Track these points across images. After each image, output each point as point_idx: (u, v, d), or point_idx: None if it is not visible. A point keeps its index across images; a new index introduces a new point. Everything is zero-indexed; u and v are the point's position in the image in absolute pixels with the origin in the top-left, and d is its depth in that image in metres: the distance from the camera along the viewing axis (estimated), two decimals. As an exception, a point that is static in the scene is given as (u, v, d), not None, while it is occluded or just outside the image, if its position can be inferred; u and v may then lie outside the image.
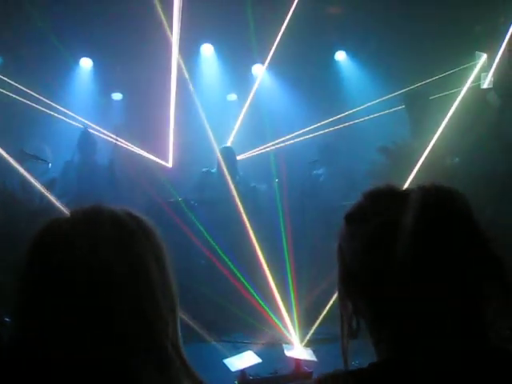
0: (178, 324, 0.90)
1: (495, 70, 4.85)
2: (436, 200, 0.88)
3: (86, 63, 6.36)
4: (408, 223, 0.85)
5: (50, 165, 4.79)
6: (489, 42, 5.02)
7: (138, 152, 5.95)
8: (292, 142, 6.15)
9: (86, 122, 5.73)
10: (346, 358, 0.97)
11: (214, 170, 5.54)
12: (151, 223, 0.91)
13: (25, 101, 5.38)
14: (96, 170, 5.31)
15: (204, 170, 5.52)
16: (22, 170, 4.67)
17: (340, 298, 0.97)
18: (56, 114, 5.69)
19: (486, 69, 5.00)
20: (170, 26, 5.44)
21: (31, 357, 0.80)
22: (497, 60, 4.86)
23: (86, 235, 0.84)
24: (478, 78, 5.01)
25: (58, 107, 5.71)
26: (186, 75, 5.82)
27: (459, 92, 5.06)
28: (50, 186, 4.71)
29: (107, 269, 0.82)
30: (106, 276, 0.81)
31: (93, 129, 5.72)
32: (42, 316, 0.81)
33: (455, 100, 5.01)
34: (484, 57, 5.07)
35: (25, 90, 5.37)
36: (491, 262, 0.87)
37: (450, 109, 4.97)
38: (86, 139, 5.36)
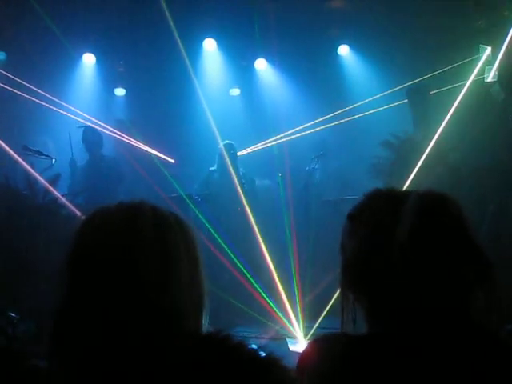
0: (201, 319, 0.92)
1: (499, 63, 4.81)
2: (431, 204, 0.98)
3: (88, 59, 6.35)
4: (405, 225, 0.94)
5: (54, 160, 4.78)
6: (493, 35, 4.97)
7: (141, 147, 5.95)
8: (295, 136, 6.14)
9: (88, 117, 5.74)
10: None
11: (214, 168, 5.56)
12: (187, 222, 0.97)
13: (28, 96, 5.38)
14: (104, 164, 5.31)
15: (211, 168, 5.56)
16: (25, 165, 4.68)
17: (341, 288, 1.06)
18: (59, 110, 5.69)
19: (490, 62, 4.96)
20: (173, 21, 5.42)
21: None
22: (501, 53, 4.82)
23: (128, 232, 0.88)
24: (482, 72, 4.98)
25: (61, 103, 5.71)
26: (189, 70, 5.81)
27: (463, 86, 5.03)
28: (53, 181, 4.72)
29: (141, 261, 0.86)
30: (139, 267, 0.86)
31: (96, 124, 5.73)
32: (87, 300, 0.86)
33: (459, 94, 4.98)
34: (488, 50, 5.03)
35: (28, 85, 5.37)
36: (479, 263, 0.95)
37: (453, 103, 4.94)
38: (90, 136, 5.34)
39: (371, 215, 1.02)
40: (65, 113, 5.72)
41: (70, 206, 4.50)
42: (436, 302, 0.92)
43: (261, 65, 6.75)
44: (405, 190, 1.06)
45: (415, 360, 0.90)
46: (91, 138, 5.33)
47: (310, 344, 1.01)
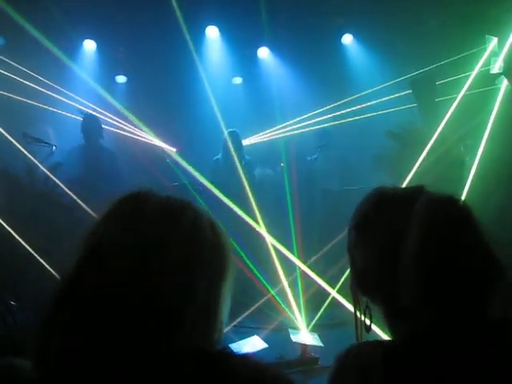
0: (212, 334, 0.87)
1: (505, 54, 4.75)
2: (439, 210, 0.96)
3: (89, 45, 6.29)
4: (415, 233, 0.93)
5: (54, 148, 4.73)
6: (499, 26, 4.91)
7: (143, 135, 5.91)
8: (298, 126, 6.11)
9: (88, 104, 5.69)
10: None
11: (219, 156, 5.52)
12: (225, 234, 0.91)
13: (27, 82, 5.32)
14: (101, 154, 5.23)
15: (215, 157, 5.54)
16: (26, 153, 4.63)
17: (354, 296, 1.07)
18: (59, 97, 5.63)
19: (495, 53, 4.91)
20: (176, 8, 5.35)
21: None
22: (507, 44, 4.76)
23: (161, 229, 0.82)
24: (488, 63, 4.92)
25: (62, 89, 5.65)
26: (192, 57, 5.75)
27: (468, 77, 4.97)
28: (54, 169, 4.68)
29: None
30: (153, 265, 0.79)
31: (97, 112, 5.68)
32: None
33: (464, 85, 4.93)
34: (494, 41, 4.97)
35: (27, 71, 5.31)
36: (491, 266, 0.94)
37: (458, 94, 4.90)
38: (91, 123, 5.25)
39: (379, 225, 1.01)
40: (65, 100, 5.67)
41: (71, 194, 4.46)
42: (453, 304, 0.92)
43: (263, 53, 6.70)
44: (411, 191, 1.03)
45: (450, 363, 0.89)
46: (91, 126, 5.22)
47: (343, 358, 0.94)
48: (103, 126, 5.43)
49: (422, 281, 0.92)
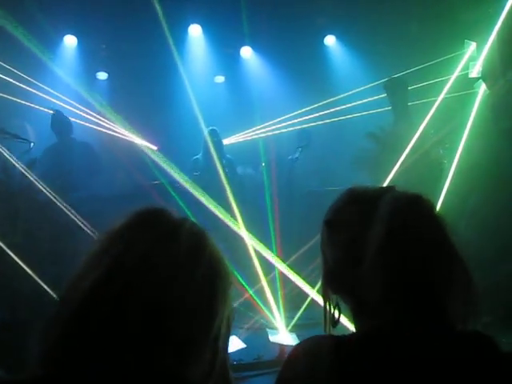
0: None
1: (484, 59, 4.82)
2: (403, 209, 0.96)
3: (70, 41, 6.20)
4: (378, 231, 0.94)
5: (32, 144, 4.65)
6: (478, 31, 4.98)
7: (123, 133, 5.85)
8: (280, 125, 6.13)
9: (68, 100, 5.62)
10: None
11: (199, 155, 5.48)
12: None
13: (5, 77, 5.22)
14: (76, 148, 5.21)
15: (195, 157, 5.51)
16: (2, 149, 4.54)
17: (324, 292, 1.08)
18: (38, 92, 5.54)
19: (474, 58, 4.98)
20: (158, 5, 5.30)
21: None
22: (486, 49, 4.83)
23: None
24: (467, 67, 4.99)
25: (41, 85, 5.56)
26: (174, 55, 5.71)
27: (447, 80, 5.04)
28: (30, 166, 4.59)
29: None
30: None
31: (76, 108, 5.62)
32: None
33: (443, 88, 4.99)
34: (473, 45, 5.04)
35: (5, 65, 5.21)
36: (454, 266, 0.95)
37: (437, 97, 4.95)
38: (59, 121, 5.25)
39: (348, 222, 1.02)
40: (44, 95, 5.58)
41: (47, 192, 4.39)
42: (414, 302, 0.93)
43: (246, 53, 6.70)
44: (381, 190, 1.04)
45: (399, 361, 0.89)
46: (60, 122, 5.25)
47: (295, 347, 0.97)
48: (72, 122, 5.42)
49: (382, 280, 0.93)
